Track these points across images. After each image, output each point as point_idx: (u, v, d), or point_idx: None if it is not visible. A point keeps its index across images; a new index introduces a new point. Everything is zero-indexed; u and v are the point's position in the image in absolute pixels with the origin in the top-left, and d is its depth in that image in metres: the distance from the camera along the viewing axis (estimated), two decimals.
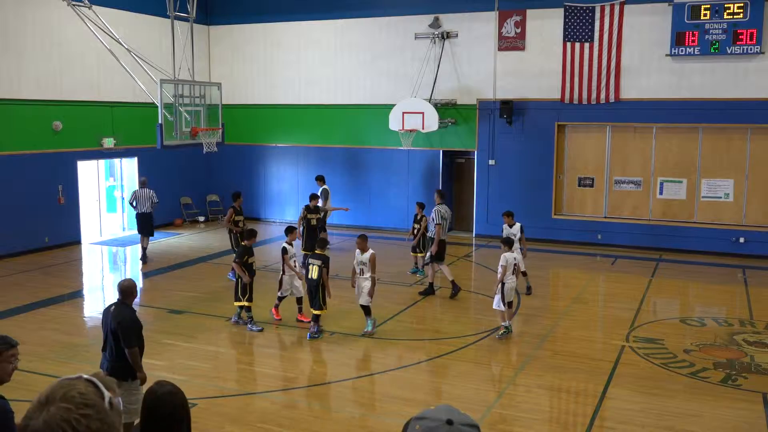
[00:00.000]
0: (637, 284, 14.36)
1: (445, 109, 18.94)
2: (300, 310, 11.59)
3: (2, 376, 4.72)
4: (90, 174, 18.93)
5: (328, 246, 12.48)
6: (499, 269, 10.82)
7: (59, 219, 17.44)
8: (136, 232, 19.53)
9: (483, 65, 18.77)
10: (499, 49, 18.56)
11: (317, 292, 10.66)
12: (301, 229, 15.37)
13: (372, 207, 20.39)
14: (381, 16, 19.75)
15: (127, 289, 6.85)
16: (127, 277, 15.76)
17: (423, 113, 17.75)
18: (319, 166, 20.56)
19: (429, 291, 13.29)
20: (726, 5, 16.13)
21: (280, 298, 11.61)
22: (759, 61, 16.22)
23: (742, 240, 16.93)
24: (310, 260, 10.90)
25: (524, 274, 13.34)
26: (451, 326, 11.51)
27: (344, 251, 16.23)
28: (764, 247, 16.72)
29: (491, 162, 19.01)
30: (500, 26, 18.49)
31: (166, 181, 19.40)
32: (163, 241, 18.45)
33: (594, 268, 16.18)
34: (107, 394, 1.70)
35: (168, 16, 15.03)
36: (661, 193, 17.84)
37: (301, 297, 11.54)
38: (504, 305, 10.71)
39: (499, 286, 10.68)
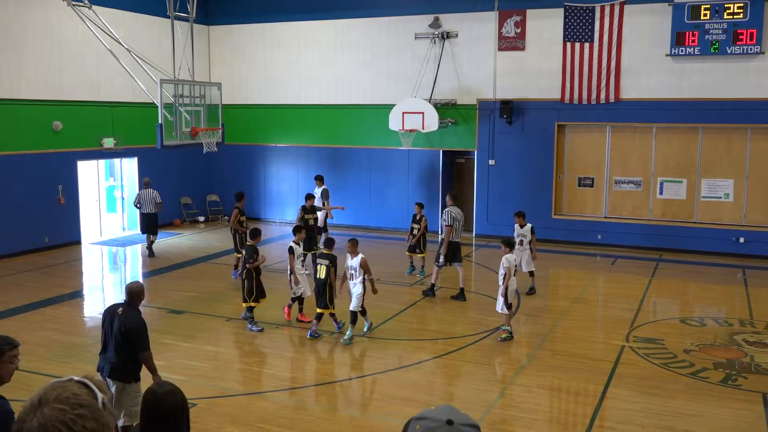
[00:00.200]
0: (637, 284, 14.36)
1: (445, 109, 18.94)
2: (301, 310, 11.56)
3: (3, 376, 4.72)
4: (90, 174, 18.93)
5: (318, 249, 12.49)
6: (502, 271, 10.70)
7: (59, 219, 17.45)
8: (137, 231, 19.64)
9: (483, 65, 18.78)
10: (499, 49, 18.56)
11: (324, 291, 10.68)
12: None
13: (372, 207, 20.40)
14: (381, 16, 19.75)
15: (135, 292, 6.82)
16: (128, 277, 15.87)
17: (423, 113, 17.75)
18: (319, 166, 20.55)
19: (429, 292, 13.23)
20: (726, 5, 16.13)
21: (294, 299, 11.51)
22: (759, 61, 16.22)
23: (742, 240, 16.93)
24: (318, 260, 10.92)
25: (531, 274, 13.40)
26: (451, 326, 11.51)
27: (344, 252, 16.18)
28: (764, 247, 16.72)
29: (491, 162, 19.01)
30: (500, 26, 18.49)
31: (166, 181, 19.38)
32: (163, 241, 18.43)
33: (594, 268, 16.18)
34: (100, 395, 1.71)
35: (168, 16, 15.04)
36: (661, 193, 17.85)
37: (303, 298, 11.50)
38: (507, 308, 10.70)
39: (503, 288, 10.63)
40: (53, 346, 10.35)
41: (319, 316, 10.77)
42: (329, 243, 11.17)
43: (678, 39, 16.69)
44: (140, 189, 17.12)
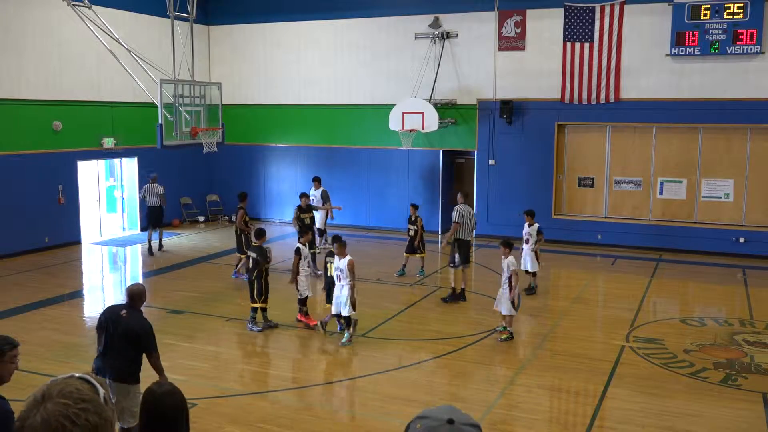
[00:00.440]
0: (637, 284, 14.36)
1: (445, 109, 18.94)
2: (300, 310, 11.54)
3: (3, 376, 4.72)
4: (90, 174, 18.94)
5: (321, 248, 12.45)
6: (508, 274, 10.59)
7: (59, 219, 17.44)
8: (137, 231, 19.78)
9: (483, 65, 18.78)
10: (499, 49, 18.56)
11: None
12: (297, 229, 15.51)
13: (372, 207, 20.40)
14: (381, 16, 19.75)
15: (136, 294, 6.80)
16: (128, 276, 15.88)
17: (423, 113, 17.75)
18: (319, 166, 20.56)
19: (460, 297, 12.90)
20: (726, 5, 16.13)
21: (301, 301, 11.45)
22: (759, 61, 16.22)
23: (742, 240, 16.93)
24: (329, 258, 10.96)
25: (534, 274, 13.43)
26: (451, 326, 11.51)
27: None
28: (764, 247, 16.71)
29: (491, 162, 19.01)
30: (500, 26, 18.49)
31: (166, 181, 19.31)
32: (163, 241, 18.42)
33: (594, 268, 16.19)
34: (101, 390, 1.73)
35: (168, 16, 15.04)
36: (661, 193, 17.85)
37: (305, 299, 11.42)
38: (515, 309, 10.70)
39: (511, 292, 10.58)
40: (53, 346, 10.35)
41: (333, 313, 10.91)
42: (337, 241, 11.20)
43: (678, 39, 16.69)
44: (146, 183, 17.41)
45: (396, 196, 19.97)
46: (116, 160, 19.71)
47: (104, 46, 15.19)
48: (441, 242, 18.67)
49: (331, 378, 9.49)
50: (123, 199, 20.01)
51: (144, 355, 6.75)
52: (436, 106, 18.35)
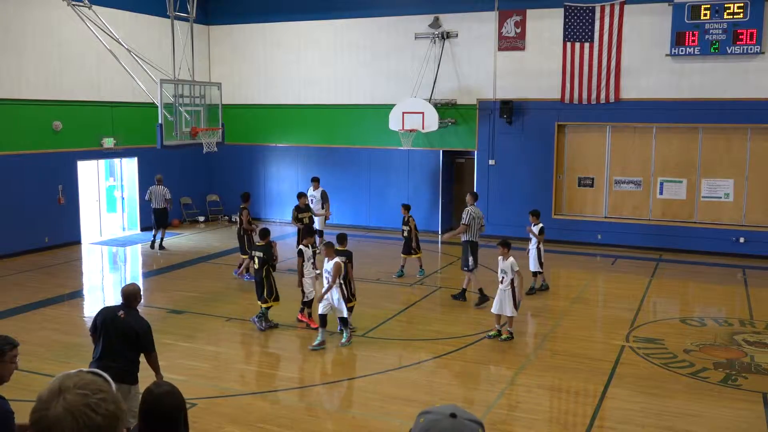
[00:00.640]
0: (637, 284, 14.36)
1: (445, 109, 18.94)
2: (302, 311, 11.47)
3: (4, 376, 4.72)
4: (90, 174, 18.94)
5: (318, 249, 12.40)
6: (513, 276, 10.52)
7: (59, 219, 17.44)
8: (137, 231, 19.81)
9: (483, 65, 18.78)
10: (499, 49, 18.56)
11: (346, 286, 10.80)
12: (296, 229, 15.59)
13: (372, 207, 20.40)
14: (381, 16, 19.75)
15: (132, 294, 6.80)
16: (128, 277, 15.88)
17: (423, 113, 17.75)
18: (319, 166, 20.56)
19: (460, 296, 12.93)
20: (726, 5, 16.13)
21: (307, 303, 11.39)
22: (759, 61, 16.22)
23: (742, 240, 16.92)
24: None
25: (534, 274, 13.46)
26: (451, 326, 11.50)
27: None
28: (764, 247, 16.71)
29: (491, 162, 19.01)
30: (500, 26, 18.49)
31: (166, 181, 19.33)
32: (164, 242, 18.43)
33: (594, 268, 16.19)
34: (113, 383, 1.80)
35: (168, 16, 15.04)
36: (661, 193, 17.85)
37: (311, 301, 11.32)
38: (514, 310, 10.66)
39: (516, 293, 10.55)
40: (53, 346, 10.35)
41: (350, 309, 10.94)
42: (342, 239, 11.23)
43: (678, 39, 16.69)
44: (152, 185, 17.69)
45: (396, 196, 19.94)
46: (116, 160, 19.72)
47: (104, 46, 15.19)
48: (440, 238, 18.69)
49: (331, 378, 9.49)
50: (123, 199, 20.01)
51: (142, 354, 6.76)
52: (436, 106, 18.35)
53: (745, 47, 16.11)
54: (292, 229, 17.69)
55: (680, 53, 16.75)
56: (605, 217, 18.36)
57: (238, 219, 14.48)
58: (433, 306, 12.95)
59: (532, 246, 13.45)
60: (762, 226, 16.92)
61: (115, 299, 12.94)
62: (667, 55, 16.93)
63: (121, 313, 6.71)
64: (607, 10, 17.32)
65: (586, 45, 17.60)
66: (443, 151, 19.61)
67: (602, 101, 17.66)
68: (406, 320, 11.96)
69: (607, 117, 17.83)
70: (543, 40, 18.12)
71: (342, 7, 20.17)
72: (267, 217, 21.81)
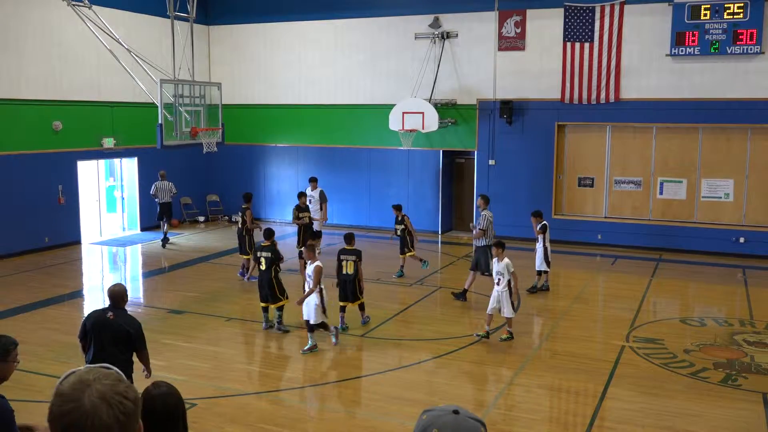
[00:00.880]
0: (637, 284, 14.36)
1: (445, 109, 18.94)
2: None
3: (7, 375, 4.73)
4: (90, 174, 18.94)
5: (319, 250, 12.37)
6: (508, 277, 10.49)
7: (59, 219, 17.44)
8: (137, 231, 19.85)
9: (483, 65, 18.77)
10: (499, 49, 18.56)
11: (354, 285, 10.87)
12: (296, 228, 15.59)
13: (372, 207, 20.39)
14: (381, 16, 19.75)
15: (119, 294, 6.77)
16: (128, 277, 15.88)
17: (423, 113, 17.75)
18: (319, 166, 20.57)
19: (461, 296, 12.86)
20: (726, 5, 16.13)
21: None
22: (759, 61, 16.22)
23: (742, 240, 16.92)
24: (343, 256, 11.00)
25: (539, 273, 13.48)
26: (451, 326, 11.50)
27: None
28: (764, 247, 16.71)
29: (491, 162, 19.01)
30: (500, 26, 18.49)
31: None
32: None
33: (594, 268, 16.19)
34: (123, 375, 1.83)
35: (168, 16, 15.04)
36: (661, 193, 17.84)
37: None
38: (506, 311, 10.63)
39: (510, 293, 10.53)
40: (53, 346, 10.35)
41: (362, 306, 11.09)
42: (349, 238, 11.25)
43: (678, 39, 16.69)
44: (156, 181, 18.05)
45: (396, 196, 19.90)
46: (116, 160, 19.72)
47: (104, 46, 15.19)
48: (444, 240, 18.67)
49: (331, 378, 9.48)
50: (123, 199, 20.01)
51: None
52: (436, 106, 18.35)
53: (745, 47, 16.11)
54: (292, 229, 17.68)
55: (680, 53, 16.75)
56: (605, 217, 18.36)
57: (240, 219, 14.41)
58: (433, 306, 12.96)
59: (539, 245, 13.48)
60: (762, 226, 16.92)
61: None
62: (667, 55, 16.92)
63: (110, 314, 6.65)
64: (607, 10, 17.32)
65: (586, 45, 17.60)
66: (443, 151, 19.61)
67: (602, 101, 17.66)
68: (406, 320, 11.96)
69: (607, 117, 17.83)
70: (543, 40, 18.12)
71: (342, 7, 20.18)
72: (267, 217, 21.81)
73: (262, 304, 11.15)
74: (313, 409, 8.45)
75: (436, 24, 19.05)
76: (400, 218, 14.77)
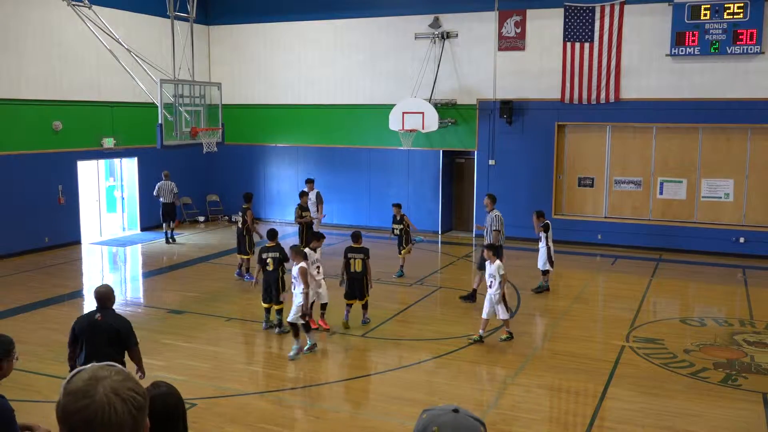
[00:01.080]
0: (637, 284, 14.36)
1: (445, 109, 18.94)
2: (322, 316, 11.18)
3: (8, 373, 4.74)
4: (90, 174, 18.94)
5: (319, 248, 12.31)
6: (498, 279, 10.43)
7: (59, 219, 17.44)
8: (137, 231, 19.87)
9: (483, 65, 18.77)
10: (499, 49, 18.56)
11: (362, 283, 10.97)
12: (298, 228, 15.60)
13: (372, 207, 20.39)
14: (381, 16, 19.75)
15: (106, 295, 6.73)
16: (128, 277, 15.89)
17: (423, 113, 17.75)
18: (319, 166, 20.58)
19: (472, 297, 12.80)
20: (726, 5, 16.13)
21: (323, 306, 11.25)
22: (759, 61, 16.22)
23: (742, 240, 16.92)
24: (351, 254, 11.08)
25: (544, 273, 13.48)
26: (451, 326, 11.50)
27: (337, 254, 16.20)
28: (764, 247, 16.71)
29: (491, 162, 19.01)
30: (500, 26, 18.49)
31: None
32: (162, 242, 18.46)
33: (594, 268, 16.19)
34: (130, 372, 1.84)
35: (168, 16, 15.04)
36: (661, 193, 17.84)
37: (326, 303, 11.14)
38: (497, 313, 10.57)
39: (499, 296, 10.51)
40: (53, 346, 10.34)
41: (366, 305, 11.21)
42: (357, 237, 11.34)
43: (678, 39, 16.69)
44: (159, 181, 18.34)
45: (396, 196, 19.90)
46: (116, 160, 19.73)
47: (104, 46, 15.19)
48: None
49: (331, 378, 9.49)
50: (123, 199, 20.01)
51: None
52: (436, 106, 18.35)
53: (745, 47, 16.11)
54: (293, 229, 17.69)
55: (680, 53, 16.75)
56: (605, 217, 18.36)
57: (241, 219, 14.39)
58: (433, 306, 12.96)
59: (542, 245, 13.48)
60: (762, 226, 16.92)
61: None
62: (667, 55, 16.92)
63: (98, 315, 6.62)
64: (607, 10, 17.32)
65: (586, 45, 17.60)
66: (443, 151, 19.61)
67: (602, 101, 17.66)
68: (406, 320, 11.96)
69: (607, 117, 17.83)
70: (543, 40, 18.12)
71: (342, 7, 20.18)
72: (267, 217, 21.81)
73: (265, 305, 11.14)
74: (313, 409, 8.45)
75: (436, 24, 19.05)
76: (399, 217, 14.79)
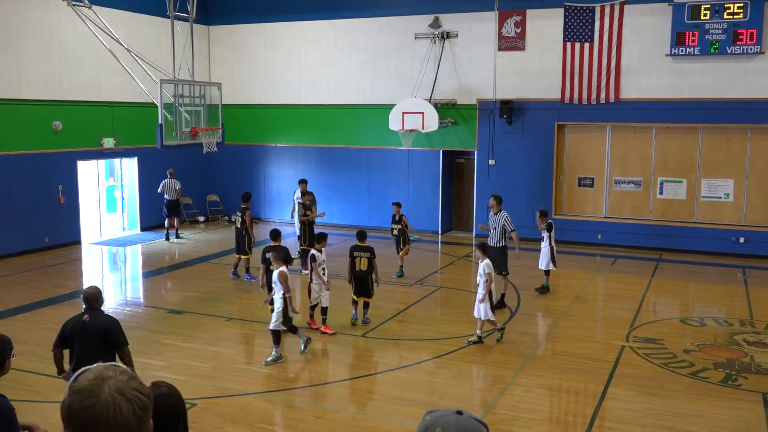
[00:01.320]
0: (637, 284, 14.36)
1: (445, 109, 18.94)
2: (324, 321, 11.03)
3: (7, 371, 4.74)
4: (90, 174, 18.94)
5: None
6: (486, 278, 10.27)
7: (59, 219, 17.44)
8: (137, 231, 19.89)
9: (483, 65, 18.77)
10: (499, 49, 18.56)
11: (367, 282, 11.01)
12: (299, 227, 15.61)
13: (372, 207, 20.39)
14: (381, 16, 19.75)
15: (94, 296, 6.68)
16: (128, 277, 15.89)
17: (423, 113, 17.76)
18: (319, 166, 20.58)
19: (502, 303, 12.39)
20: (726, 5, 16.13)
21: (312, 307, 11.18)
22: (759, 61, 16.22)
23: (742, 240, 16.92)
24: (357, 253, 11.11)
25: (547, 273, 13.48)
26: (451, 326, 11.50)
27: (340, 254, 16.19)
28: (764, 247, 16.71)
29: (491, 162, 19.01)
30: (500, 26, 18.49)
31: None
32: (163, 242, 18.46)
33: (594, 268, 16.19)
34: (134, 372, 1.87)
35: (168, 16, 15.04)
36: (661, 193, 17.84)
37: (326, 307, 10.98)
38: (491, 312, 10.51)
39: (483, 294, 10.38)
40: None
41: (367, 305, 11.24)
42: (362, 235, 11.36)
43: (678, 39, 16.69)
44: (164, 179, 18.69)
45: (396, 196, 19.89)
46: (116, 160, 19.73)
47: (104, 46, 15.19)
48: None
49: (331, 378, 9.49)
50: (123, 199, 20.01)
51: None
52: (436, 106, 18.35)
53: (745, 47, 16.11)
54: (292, 229, 17.69)
55: (680, 53, 16.75)
56: (605, 217, 18.36)
57: (240, 218, 14.39)
58: (433, 306, 12.96)
59: (545, 245, 13.47)
60: (762, 226, 16.92)
61: (114, 299, 12.95)
62: (667, 55, 16.92)
63: (86, 317, 6.58)
64: (607, 10, 17.32)
65: (586, 45, 17.60)
66: (443, 151, 19.61)
67: (602, 101, 17.66)
68: (406, 320, 11.96)
69: (607, 117, 17.83)
70: (543, 40, 18.12)
71: (342, 7, 20.18)
72: (267, 217, 21.81)
73: (270, 306, 11.09)
74: (313, 409, 8.45)
75: (436, 24, 19.05)
76: (398, 217, 14.79)
